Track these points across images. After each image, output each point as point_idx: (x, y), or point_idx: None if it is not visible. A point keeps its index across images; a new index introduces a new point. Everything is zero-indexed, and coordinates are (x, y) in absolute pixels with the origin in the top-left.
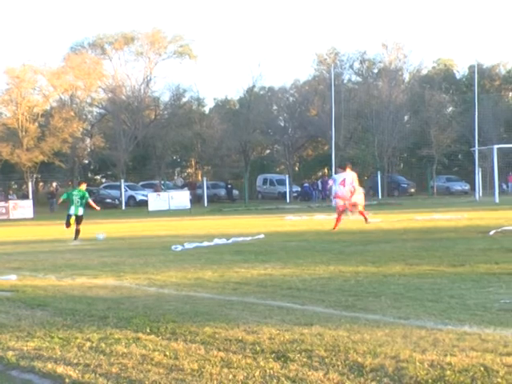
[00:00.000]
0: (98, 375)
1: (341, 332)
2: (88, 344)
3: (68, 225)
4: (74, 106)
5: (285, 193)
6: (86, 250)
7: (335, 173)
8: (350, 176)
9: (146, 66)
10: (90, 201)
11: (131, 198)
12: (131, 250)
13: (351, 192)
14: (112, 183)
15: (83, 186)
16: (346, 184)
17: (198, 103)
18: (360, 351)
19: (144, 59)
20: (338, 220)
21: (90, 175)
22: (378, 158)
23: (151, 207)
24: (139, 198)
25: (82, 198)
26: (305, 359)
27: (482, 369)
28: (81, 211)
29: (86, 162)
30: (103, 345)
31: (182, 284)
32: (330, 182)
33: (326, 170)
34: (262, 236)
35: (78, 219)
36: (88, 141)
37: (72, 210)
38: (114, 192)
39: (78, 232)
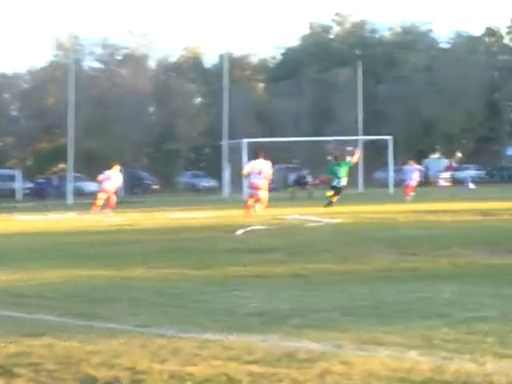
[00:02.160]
0: None
1: (73, 343)
2: None
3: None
4: None
5: (14, 190)
6: None
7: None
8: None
9: None
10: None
11: None
12: None
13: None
14: None
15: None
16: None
17: None
18: (93, 363)
19: None
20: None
21: None
22: (121, 152)
23: None
24: None
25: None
26: (32, 374)
27: (224, 378)
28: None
29: None
30: None
31: None
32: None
33: (63, 166)
34: None
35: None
36: None
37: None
38: None
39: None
